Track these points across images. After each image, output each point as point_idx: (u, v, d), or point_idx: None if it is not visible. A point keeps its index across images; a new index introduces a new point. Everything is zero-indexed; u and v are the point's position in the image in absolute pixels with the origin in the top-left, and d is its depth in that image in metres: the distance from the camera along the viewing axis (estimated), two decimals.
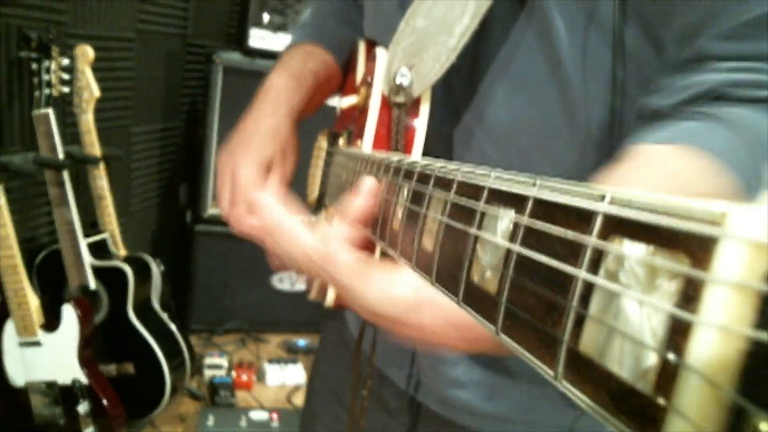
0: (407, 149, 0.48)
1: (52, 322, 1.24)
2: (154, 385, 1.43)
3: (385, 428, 0.64)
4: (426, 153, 0.49)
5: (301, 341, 2.08)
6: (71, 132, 1.47)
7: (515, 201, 0.18)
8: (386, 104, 0.49)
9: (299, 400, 1.80)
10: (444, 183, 0.24)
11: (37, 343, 1.23)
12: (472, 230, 0.20)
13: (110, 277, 1.40)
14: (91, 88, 1.40)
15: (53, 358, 1.24)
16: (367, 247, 0.35)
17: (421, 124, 0.48)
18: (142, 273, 1.48)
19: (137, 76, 1.76)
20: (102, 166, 1.46)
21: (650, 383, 0.12)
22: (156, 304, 1.53)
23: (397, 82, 0.48)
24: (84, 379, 1.25)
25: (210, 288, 2.01)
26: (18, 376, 1.25)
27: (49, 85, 1.28)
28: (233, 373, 1.81)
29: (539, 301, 0.16)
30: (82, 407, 1.25)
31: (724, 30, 0.36)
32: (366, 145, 0.49)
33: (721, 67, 0.36)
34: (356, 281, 0.32)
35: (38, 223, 1.46)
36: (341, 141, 0.59)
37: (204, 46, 2.06)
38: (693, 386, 0.11)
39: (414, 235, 0.26)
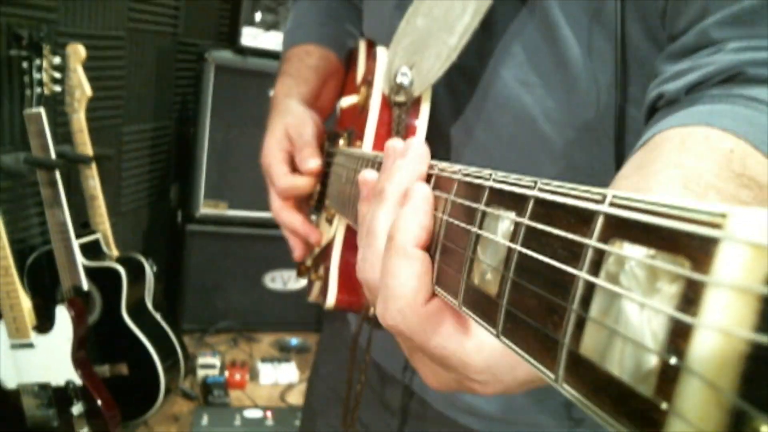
0: None
1: (44, 324, 1.23)
2: (149, 386, 1.43)
3: (388, 428, 0.64)
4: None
5: (294, 340, 2.08)
6: (62, 131, 1.46)
7: (516, 202, 0.18)
8: (387, 104, 0.49)
9: (293, 398, 1.79)
10: (445, 183, 0.24)
11: (29, 345, 1.22)
12: (473, 230, 0.20)
13: (103, 278, 1.39)
14: (83, 87, 1.39)
15: (46, 359, 1.23)
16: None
17: (421, 123, 0.48)
18: (136, 273, 1.47)
19: (128, 74, 1.75)
20: (94, 166, 1.45)
21: (651, 386, 0.12)
22: (149, 305, 1.52)
23: (398, 81, 0.48)
24: (78, 381, 1.24)
25: (202, 288, 2.01)
26: (10, 379, 1.24)
27: (40, 84, 1.27)
28: (226, 373, 1.80)
29: (540, 304, 0.16)
30: (76, 408, 1.24)
31: (728, 15, 0.36)
32: (366, 145, 0.49)
33: (728, 48, 0.36)
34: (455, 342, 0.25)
35: (30, 223, 1.45)
36: (342, 141, 0.59)
37: (195, 44, 2.04)
38: (694, 389, 0.11)
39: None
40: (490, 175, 0.20)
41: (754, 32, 0.35)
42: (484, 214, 0.20)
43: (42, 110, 1.26)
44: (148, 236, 2.06)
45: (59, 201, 1.28)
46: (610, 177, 0.34)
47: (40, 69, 1.27)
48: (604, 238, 0.14)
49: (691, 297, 0.11)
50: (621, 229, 0.14)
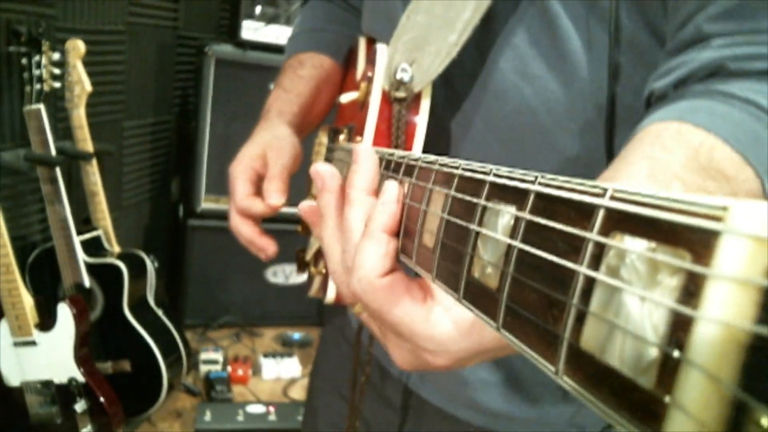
0: (408, 145, 0.48)
1: (47, 321, 1.23)
2: (151, 382, 1.43)
3: (389, 425, 0.64)
4: (427, 148, 0.49)
5: (296, 334, 2.08)
6: (63, 127, 1.46)
7: (516, 196, 0.18)
8: (387, 100, 0.49)
9: (295, 393, 1.80)
10: (445, 178, 0.24)
11: (32, 343, 1.22)
12: (473, 226, 0.20)
13: (105, 274, 1.39)
14: (83, 83, 1.38)
15: (49, 357, 1.23)
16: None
17: (422, 119, 0.48)
18: (137, 269, 1.47)
19: (128, 69, 1.75)
20: (94, 161, 1.45)
21: (652, 378, 0.12)
22: (151, 301, 1.52)
23: (398, 77, 0.48)
24: (80, 378, 1.25)
25: (204, 283, 2.01)
26: (13, 376, 1.24)
27: (39, 80, 1.27)
28: (229, 368, 1.81)
29: (540, 297, 0.16)
30: (79, 406, 1.25)
31: (719, 9, 0.36)
32: (366, 140, 0.49)
33: (714, 44, 0.37)
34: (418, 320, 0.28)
35: (31, 220, 1.45)
36: (342, 137, 0.59)
37: (195, 38, 2.04)
38: (694, 381, 0.11)
39: (414, 232, 0.26)
40: (490, 169, 0.20)
41: (743, 26, 0.36)
42: (484, 208, 0.20)
43: (42, 106, 1.25)
44: (149, 231, 2.06)
45: (60, 197, 1.28)
46: None
47: (39, 65, 1.27)
48: (605, 231, 0.14)
49: (691, 289, 0.11)
50: (622, 222, 0.13)
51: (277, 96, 0.66)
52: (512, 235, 0.18)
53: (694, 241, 0.11)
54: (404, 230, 0.28)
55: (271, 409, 1.64)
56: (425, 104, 0.48)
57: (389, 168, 0.31)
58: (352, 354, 0.64)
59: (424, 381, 0.59)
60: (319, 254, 0.60)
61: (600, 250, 0.14)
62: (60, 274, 1.34)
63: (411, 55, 0.48)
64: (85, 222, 1.48)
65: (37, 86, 1.26)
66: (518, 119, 0.48)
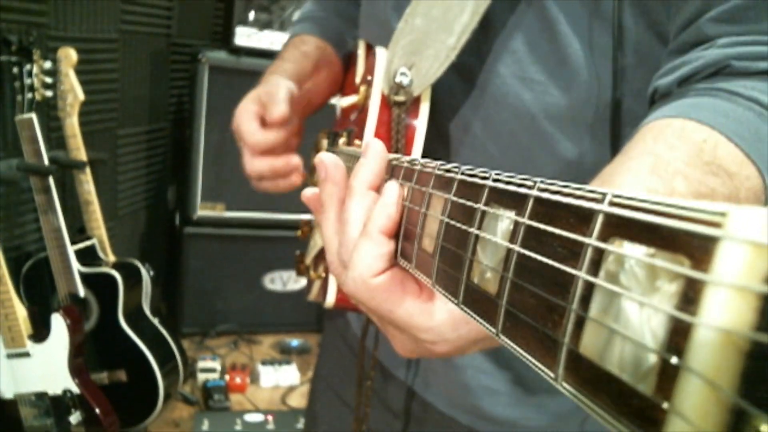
0: (407, 148, 0.48)
1: (40, 332, 1.22)
2: (147, 392, 1.42)
3: (390, 429, 0.64)
4: (426, 152, 0.49)
5: (294, 341, 2.07)
6: (56, 136, 1.45)
7: (516, 201, 0.18)
8: (386, 103, 0.49)
9: (294, 401, 1.79)
10: (444, 183, 0.24)
11: (26, 354, 1.21)
12: (473, 230, 0.20)
13: (100, 284, 1.38)
14: (75, 92, 1.38)
15: (43, 368, 1.22)
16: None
17: (421, 123, 0.48)
18: (132, 279, 1.47)
19: (122, 77, 1.74)
20: (88, 170, 1.45)
21: (651, 385, 0.12)
22: (147, 310, 1.51)
23: (397, 81, 0.48)
24: (75, 389, 1.23)
25: (201, 291, 2.00)
26: (7, 389, 1.23)
27: (31, 89, 1.26)
28: (227, 376, 1.80)
29: (540, 302, 0.16)
30: (74, 417, 1.23)
31: (722, 12, 0.37)
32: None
33: (718, 43, 0.37)
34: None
35: (24, 230, 1.44)
36: (341, 140, 0.59)
37: (189, 45, 2.04)
38: (693, 388, 0.11)
39: (414, 236, 0.26)
40: (490, 174, 0.20)
41: (746, 28, 0.36)
42: (483, 213, 0.20)
43: (34, 116, 1.25)
44: (145, 240, 2.05)
45: (53, 207, 1.27)
46: None
47: (31, 74, 1.26)
48: (604, 237, 0.14)
49: (690, 296, 0.11)
50: (621, 228, 0.14)
51: (276, 65, 0.65)
52: (512, 239, 0.18)
53: (693, 247, 0.11)
54: (404, 234, 0.28)
55: (270, 417, 1.63)
56: (424, 108, 0.49)
57: (389, 172, 0.31)
58: (355, 359, 0.64)
59: (429, 385, 0.59)
60: (319, 258, 0.60)
61: (599, 255, 0.14)
62: (54, 284, 1.33)
63: (410, 59, 0.48)
64: (79, 231, 1.47)
65: (29, 95, 1.26)
66: (518, 124, 0.48)
